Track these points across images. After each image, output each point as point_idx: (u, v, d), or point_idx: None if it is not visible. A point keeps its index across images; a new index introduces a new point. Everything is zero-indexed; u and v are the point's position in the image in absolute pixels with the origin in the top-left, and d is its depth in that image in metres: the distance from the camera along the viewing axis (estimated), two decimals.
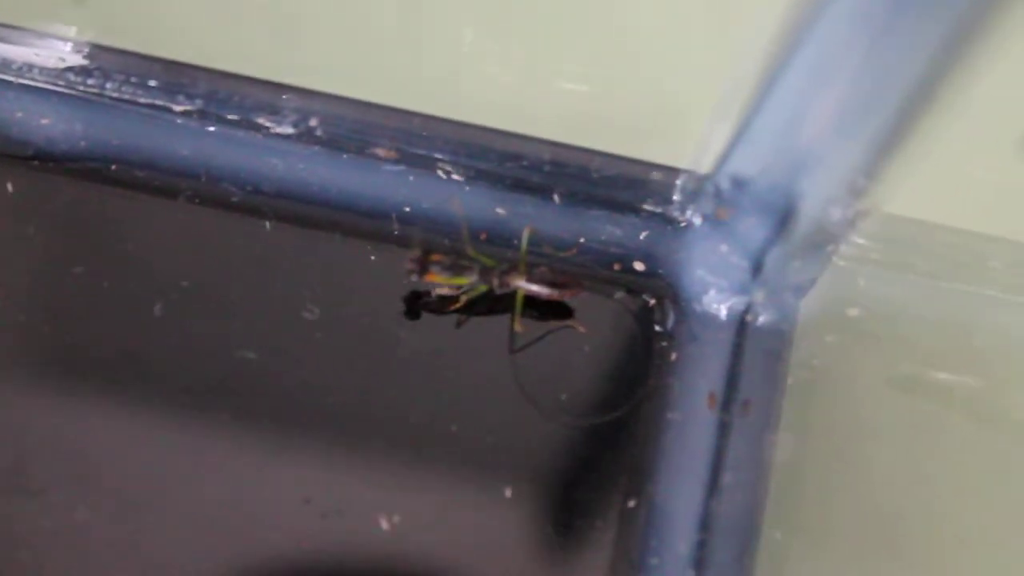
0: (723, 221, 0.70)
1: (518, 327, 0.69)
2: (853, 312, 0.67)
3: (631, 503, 0.68)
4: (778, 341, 0.70)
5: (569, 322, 0.70)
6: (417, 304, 0.70)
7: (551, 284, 0.69)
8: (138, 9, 0.69)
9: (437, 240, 0.70)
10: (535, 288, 0.69)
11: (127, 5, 0.69)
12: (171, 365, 0.69)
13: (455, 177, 0.72)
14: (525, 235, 0.70)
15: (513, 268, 0.69)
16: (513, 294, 0.69)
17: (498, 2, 0.63)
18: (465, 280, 0.68)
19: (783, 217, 0.67)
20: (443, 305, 0.70)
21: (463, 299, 0.69)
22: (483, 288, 0.69)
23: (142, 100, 0.72)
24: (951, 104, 0.54)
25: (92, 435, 0.68)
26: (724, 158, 0.67)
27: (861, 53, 0.56)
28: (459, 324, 0.70)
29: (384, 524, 0.67)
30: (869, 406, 0.67)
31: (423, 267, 0.68)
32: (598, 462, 0.69)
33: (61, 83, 0.72)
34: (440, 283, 0.69)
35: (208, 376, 0.69)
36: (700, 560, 0.67)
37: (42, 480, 0.67)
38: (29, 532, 0.66)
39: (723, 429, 0.69)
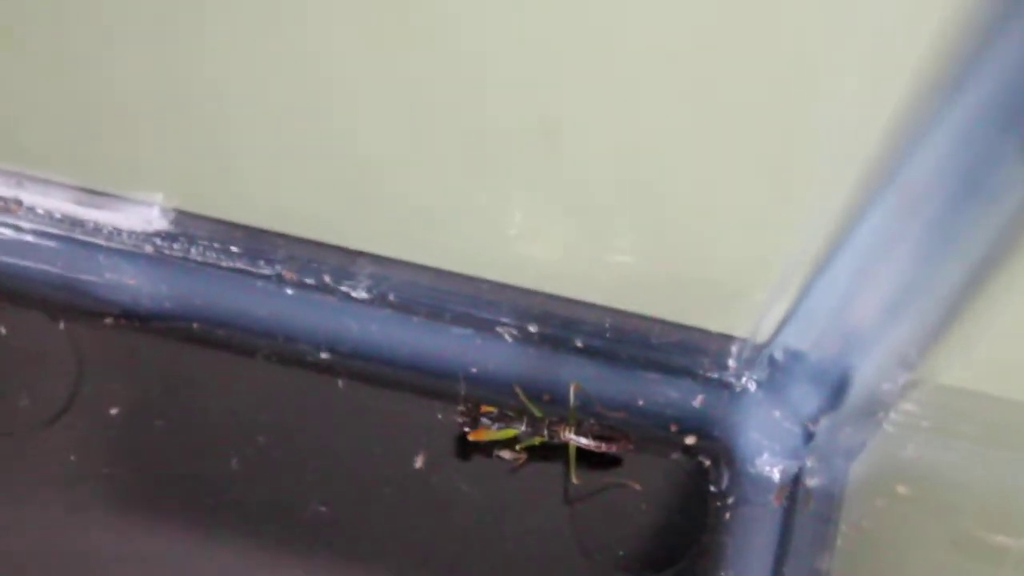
0: (777, 389, 0.72)
1: (575, 479, 0.72)
2: (901, 477, 0.69)
3: None
4: (828, 504, 0.72)
5: (624, 479, 0.72)
6: (474, 452, 0.73)
7: (597, 437, 0.71)
8: (221, 179, 0.72)
9: (502, 400, 0.73)
10: (583, 441, 0.71)
11: (211, 175, 0.72)
12: (247, 517, 0.72)
13: (519, 341, 0.75)
14: (572, 391, 0.72)
15: (562, 420, 0.72)
16: (566, 447, 0.72)
17: (550, 183, 0.66)
18: (513, 432, 0.71)
19: (835, 388, 0.69)
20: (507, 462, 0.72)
21: (523, 458, 0.72)
22: (537, 440, 0.72)
23: (224, 264, 0.75)
24: (1005, 287, 0.56)
25: None
26: (779, 330, 0.69)
27: (915, 237, 0.58)
28: (515, 470, 0.72)
29: None
30: (918, 567, 0.69)
31: (474, 419, 0.71)
32: None
33: (147, 246, 0.75)
34: (492, 439, 0.71)
35: (282, 528, 0.71)
36: None
37: None
38: None
39: None
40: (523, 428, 0.71)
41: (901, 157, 0.54)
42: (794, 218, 0.62)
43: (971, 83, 0.49)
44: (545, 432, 0.71)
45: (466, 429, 0.71)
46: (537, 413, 0.72)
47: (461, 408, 0.71)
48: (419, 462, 0.73)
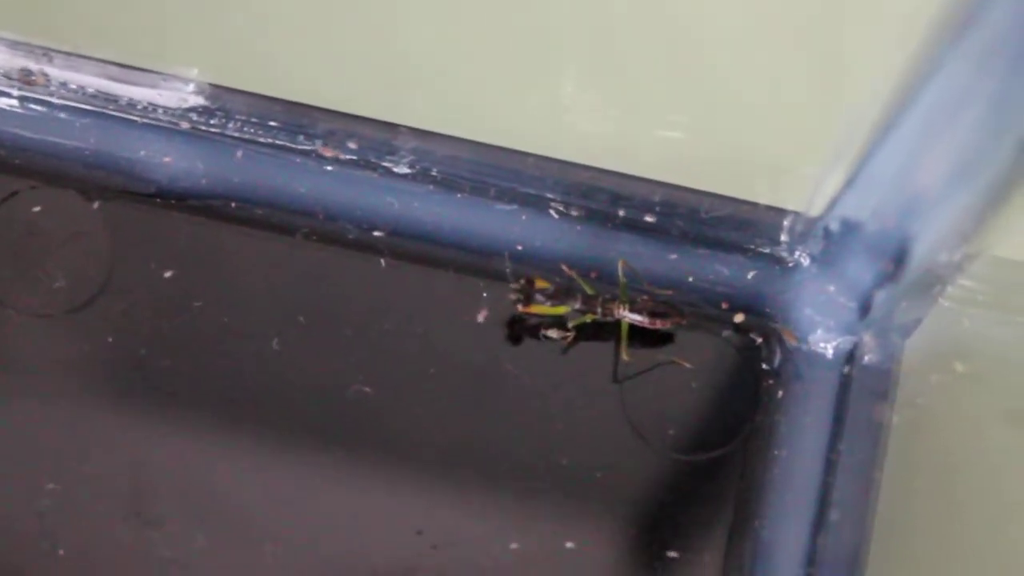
0: (832, 262, 0.71)
1: (626, 356, 0.70)
2: (957, 353, 0.68)
3: (737, 538, 0.69)
4: (883, 380, 0.71)
5: (675, 358, 0.71)
6: (520, 331, 0.71)
7: (651, 314, 0.70)
8: (258, 52, 0.70)
9: (548, 278, 0.71)
10: (636, 317, 0.70)
11: (247, 48, 0.70)
12: (288, 398, 0.71)
13: (567, 216, 0.73)
14: (620, 268, 0.71)
15: (615, 298, 0.70)
16: (617, 324, 0.70)
17: (597, 53, 0.64)
18: (566, 308, 0.70)
19: (893, 260, 0.68)
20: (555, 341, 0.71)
21: (571, 337, 0.71)
22: (589, 317, 0.70)
23: (262, 140, 0.73)
24: None
25: (210, 466, 0.70)
26: (835, 201, 0.68)
27: (981, 103, 0.57)
28: (565, 350, 0.71)
29: (494, 555, 0.68)
30: (974, 443, 0.68)
31: (527, 296, 0.69)
32: (705, 497, 0.70)
33: (183, 123, 0.73)
34: (543, 313, 0.70)
35: (324, 409, 0.70)
36: None
37: (160, 510, 0.68)
38: (148, 560, 0.68)
39: (829, 466, 0.70)
40: (576, 305, 0.70)
41: (976, 5, 0.52)
42: (851, 84, 0.61)
43: None
44: (598, 309, 0.70)
45: (519, 306, 0.69)
46: (590, 291, 0.70)
47: (514, 285, 0.69)
48: (465, 342, 0.71)
